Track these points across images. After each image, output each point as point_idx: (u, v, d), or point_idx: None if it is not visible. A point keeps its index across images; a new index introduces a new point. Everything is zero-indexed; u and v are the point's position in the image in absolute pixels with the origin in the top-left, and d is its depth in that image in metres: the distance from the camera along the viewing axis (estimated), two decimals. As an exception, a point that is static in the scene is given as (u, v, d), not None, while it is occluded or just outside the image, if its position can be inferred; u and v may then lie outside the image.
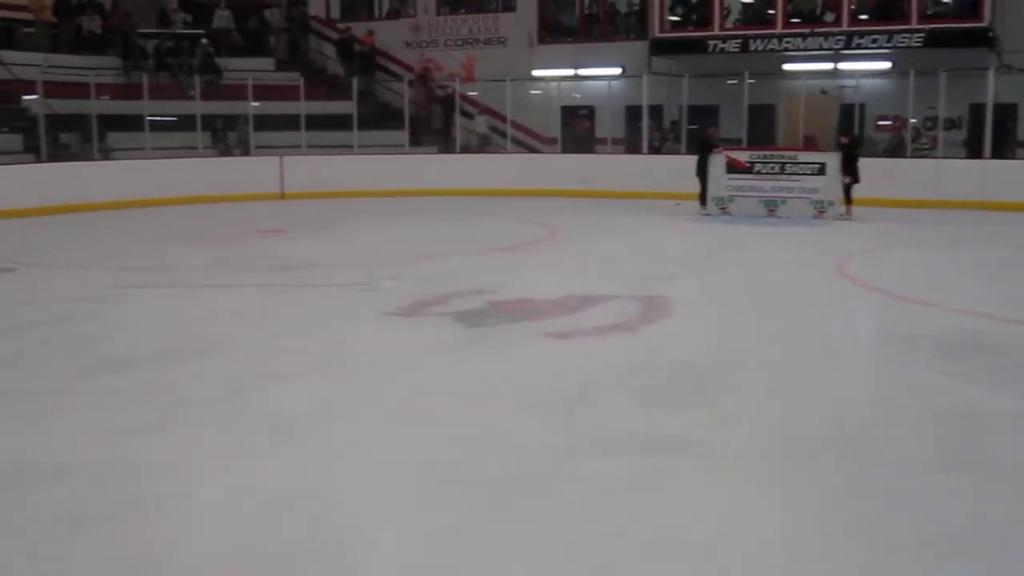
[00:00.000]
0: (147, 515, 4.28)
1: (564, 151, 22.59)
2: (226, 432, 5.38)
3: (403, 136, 22.23)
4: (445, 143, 22.97)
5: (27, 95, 19.76)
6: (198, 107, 20.90)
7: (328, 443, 5.19)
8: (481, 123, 23.05)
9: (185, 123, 20.83)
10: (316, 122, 21.48)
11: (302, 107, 21.35)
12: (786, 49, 20.97)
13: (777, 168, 16.12)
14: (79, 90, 19.76)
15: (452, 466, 4.81)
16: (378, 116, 23.38)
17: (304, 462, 4.90)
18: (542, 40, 24.44)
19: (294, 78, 22.70)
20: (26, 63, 20.78)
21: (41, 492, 4.51)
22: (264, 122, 21.36)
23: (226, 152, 21.63)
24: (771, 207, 16.07)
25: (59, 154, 19.12)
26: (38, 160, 18.57)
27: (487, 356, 7.08)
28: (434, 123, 23.66)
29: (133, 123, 20.15)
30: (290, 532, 4.08)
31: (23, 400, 6.01)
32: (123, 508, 4.32)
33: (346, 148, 21.65)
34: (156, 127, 20.46)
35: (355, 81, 22.48)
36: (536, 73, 23.66)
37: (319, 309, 8.91)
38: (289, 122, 21.25)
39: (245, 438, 5.27)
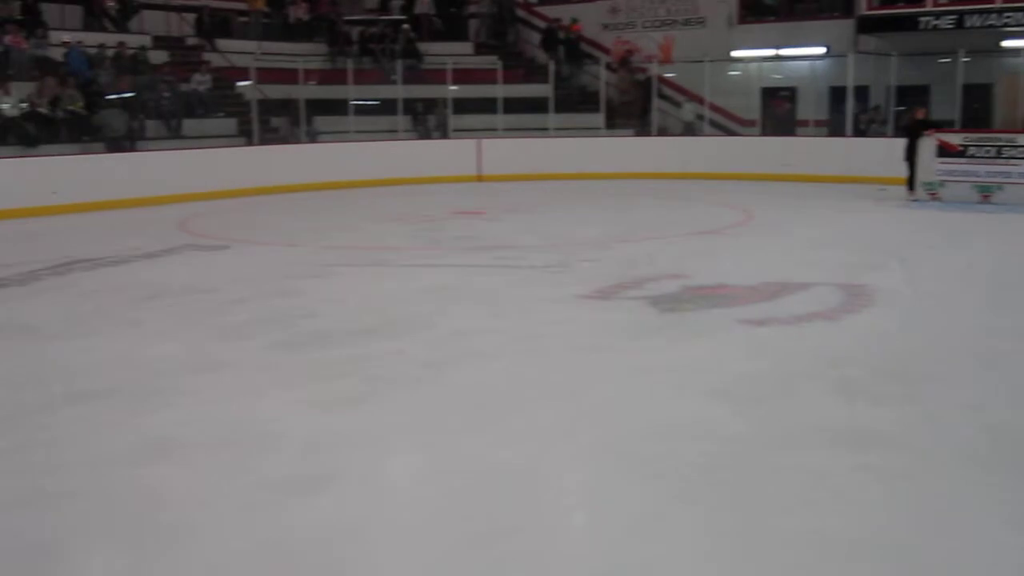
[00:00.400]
0: (348, 485, 4.41)
1: (764, 134, 22.04)
2: (424, 408, 5.50)
3: (599, 119, 22.20)
4: (642, 126, 22.79)
5: (241, 81, 20.77)
6: (399, 91, 21.50)
7: (522, 424, 5.22)
8: (688, 111, 22.68)
9: (387, 107, 21.46)
10: (513, 105, 21.70)
11: (499, 90, 21.63)
12: (1006, 25, 19.78)
13: (993, 151, 15.24)
14: (288, 76, 20.66)
15: (644, 452, 4.76)
16: (574, 99, 23.42)
17: (498, 441, 4.95)
18: (742, 20, 23.90)
19: (492, 62, 22.98)
20: (240, 51, 21.85)
21: (254, 459, 4.73)
22: (462, 105, 21.74)
23: (425, 135, 22.13)
24: (985, 193, 15.22)
25: (269, 137, 20.04)
26: (250, 143, 19.53)
27: (681, 341, 6.98)
28: (636, 108, 23.43)
29: (338, 107, 20.90)
30: (483, 509, 4.13)
31: (234, 372, 6.31)
32: (326, 477, 4.47)
33: (542, 131, 21.79)
34: (359, 111, 21.12)
35: (551, 64, 22.57)
36: (735, 54, 23.15)
37: (515, 290, 8.99)
38: (486, 105, 21.56)
39: (442, 415, 5.38)
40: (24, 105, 16.66)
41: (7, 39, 18.20)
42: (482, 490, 4.34)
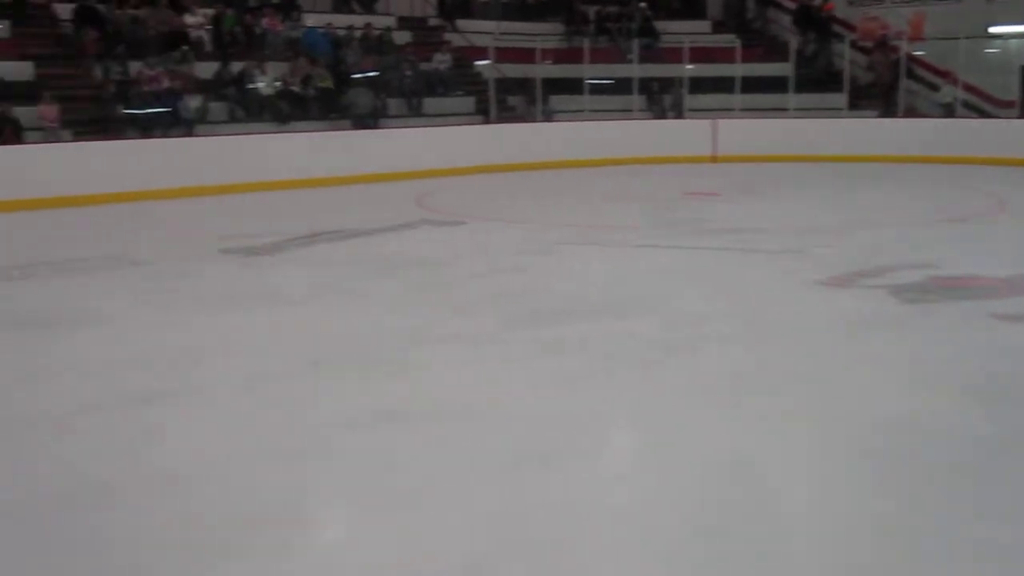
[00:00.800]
0: (575, 464, 4.40)
1: (1023, 116, 20.61)
2: (653, 390, 5.45)
3: (842, 99, 21.35)
4: (887, 107, 21.73)
5: (479, 60, 21.21)
6: (635, 70, 21.39)
7: (755, 412, 5.07)
8: (946, 93, 21.41)
9: (622, 86, 21.40)
10: (751, 84, 21.16)
11: (737, 69, 21.12)
12: None
13: None
14: (525, 55, 20.94)
15: (885, 448, 4.53)
16: (815, 78, 22.58)
17: (730, 428, 4.83)
18: (1004, -7, 22.41)
19: (730, 40, 22.48)
20: (480, 31, 22.30)
21: (481, 432, 4.81)
22: (698, 84, 21.40)
23: (660, 115, 21.91)
24: None
25: (506, 115, 20.39)
26: (487, 121, 19.92)
27: (926, 334, 6.61)
28: (883, 89, 22.29)
29: (574, 86, 21.01)
30: (712, 498, 4.04)
31: (464, 347, 6.42)
32: (553, 455, 4.48)
33: (780, 111, 21.17)
34: (595, 90, 21.15)
35: (791, 42, 21.88)
36: (993, 30, 21.73)
37: (749, 274, 8.78)
38: (723, 84, 21.11)
39: (671, 398, 5.31)
40: (278, 84, 17.62)
41: (264, 22, 19.28)
42: (712, 478, 4.24)
